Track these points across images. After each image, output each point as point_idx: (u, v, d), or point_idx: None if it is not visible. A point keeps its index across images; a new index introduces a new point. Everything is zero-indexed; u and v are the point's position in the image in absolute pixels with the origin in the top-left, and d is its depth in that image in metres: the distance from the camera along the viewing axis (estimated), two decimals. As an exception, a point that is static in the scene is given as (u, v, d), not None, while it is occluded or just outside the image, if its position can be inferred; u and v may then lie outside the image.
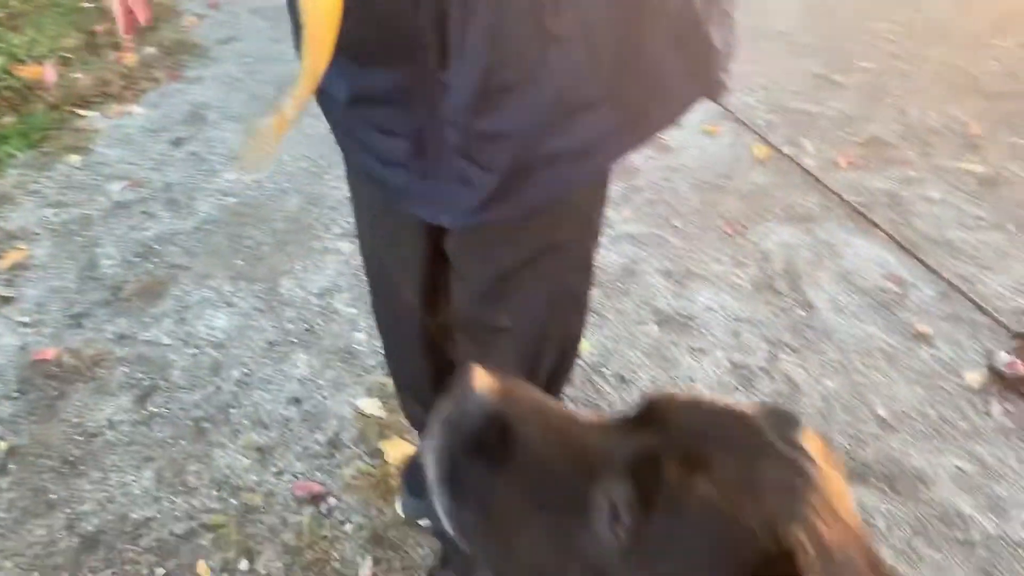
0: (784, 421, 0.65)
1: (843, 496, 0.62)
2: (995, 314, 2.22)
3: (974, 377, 2.07)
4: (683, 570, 0.57)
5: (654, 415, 0.67)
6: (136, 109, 3.05)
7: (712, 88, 1.06)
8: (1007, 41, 3.66)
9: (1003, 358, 2.04)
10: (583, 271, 1.20)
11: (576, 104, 0.95)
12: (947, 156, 2.92)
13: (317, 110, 1.21)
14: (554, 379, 1.32)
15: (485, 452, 0.67)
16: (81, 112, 3.00)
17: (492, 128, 0.96)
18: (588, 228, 1.15)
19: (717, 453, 0.60)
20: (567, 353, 1.31)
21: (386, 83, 0.97)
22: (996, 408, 2.00)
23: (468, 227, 1.09)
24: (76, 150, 2.84)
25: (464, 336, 1.29)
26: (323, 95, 1.07)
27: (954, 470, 1.87)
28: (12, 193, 2.66)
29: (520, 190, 1.02)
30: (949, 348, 2.17)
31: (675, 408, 0.66)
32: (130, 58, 3.29)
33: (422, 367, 1.43)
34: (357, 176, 1.22)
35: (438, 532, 1.63)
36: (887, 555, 1.69)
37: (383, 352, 1.59)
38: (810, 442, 0.64)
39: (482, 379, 0.68)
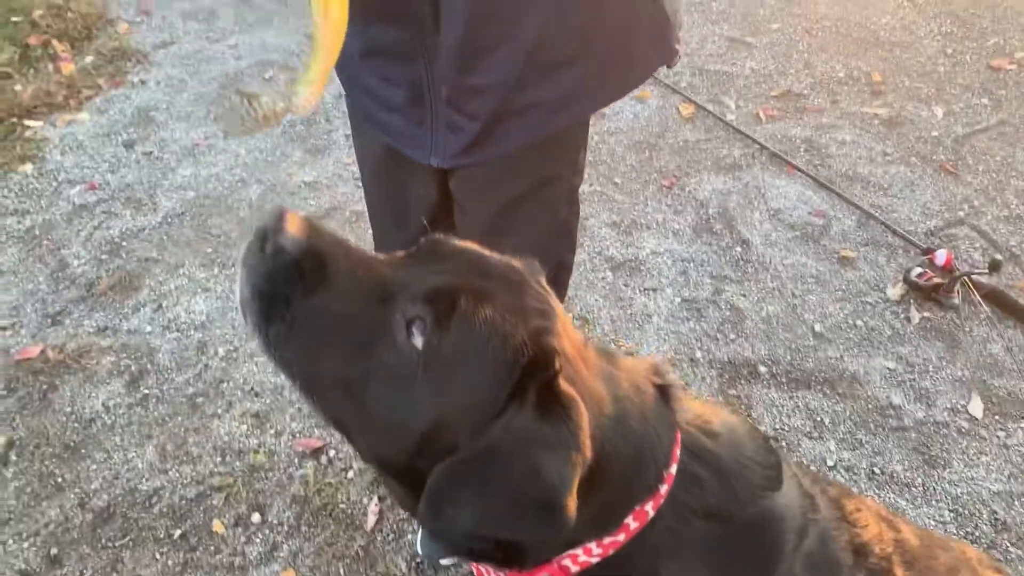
0: (535, 269, 0.87)
1: (567, 321, 0.84)
2: (907, 235, 2.47)
3: (894, 291, 2.32)
4: (471, 373, 0.75)
5: (437, 255, 0.84)
6: (83, 116, 3.10)
7: (669, 55, 1.24)
8: (898, -3, 3.98)
9: (916, 271, 2.29)
10: (571, 204, 1.38)
11: (550, 62, 1.12)
12: (854, 102, 3.19)
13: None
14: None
15: (298, 278, 0.79)
16: (28, 123, 3.03)
17: (476, 83, 1.12)
18: (574, 165, 1.33)
19: (496, 289, 0.79)
20: (561, 281, 1.49)
21: (391, 40, 1.13)
22: (915, 315, 2.26)
23: (456, 167, 1.25)
24: (28, 159, 2.88)
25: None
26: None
27: (884, 370, 2.11)
28: (-31, 206, 2.70)
29: (499, 136, 1.19)
30: (870, 268, 2.42)
31: (456, 252, 0.84)
32: (68, 67, 3.32)
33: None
34: (362, 126, 1.37)
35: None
36: (833, 446, 1.92)
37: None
38: (547, 285, 0.87)
39: (293, 218, 0.81)
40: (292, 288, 0.79)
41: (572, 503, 0.71)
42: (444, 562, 1.72)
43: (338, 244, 0.82)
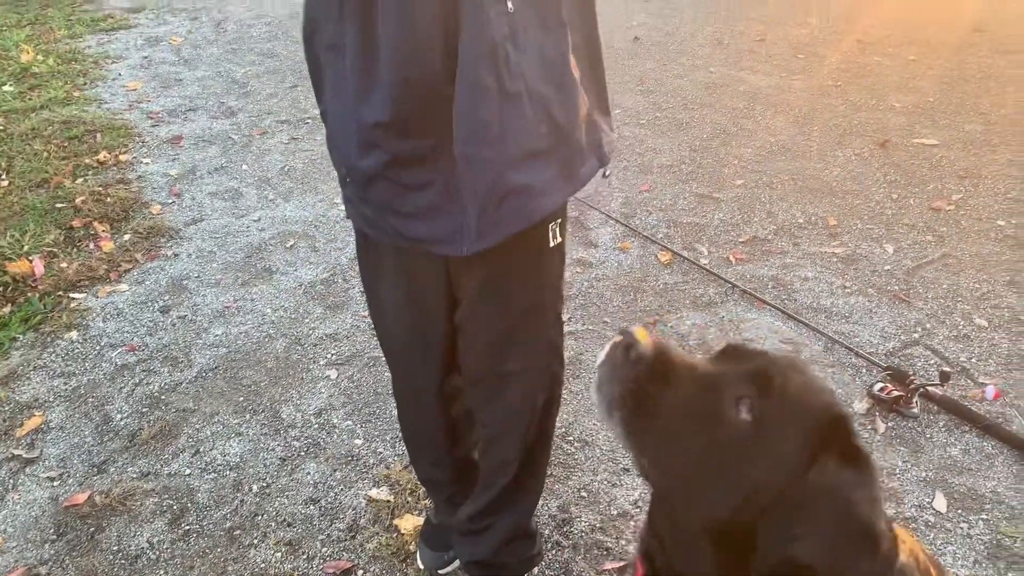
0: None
1: None
2: (869, 356, 2.76)
3: (860, 405, 2.58)
4: (789, 433, 0.94)
5: (740, 354, 1.07)
6: (122, 287, 3.43)
7: (604, 158, 1.55)
8: (845, 152, 4.46)
9: (878, 386, 2.56)
10: (557, 326, 1.67)
11: (531, 150, 1.37)
12: (813, 244, 3.57)
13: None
14: (546, 415, 1.75)
15: (654, 376, 1.02)
16: (73, 295, 3.37)
17: (480, 154, 1.34)
18: (556, 292, 1.63)
19: (793, 370, 1.01)
20: (554, 391, 1.75)
21: (423, 147, 1.37)
22: (880, 425, 2.50)
23: (477, 251, 1.43)
24: (73, 327, 3.18)
25: (475, 389, 1.72)
26: (351, 185, 1.49)
27: (856, 474, 2.33)
28: (20, 371, 2.97)
29: (499, 216, 1.40)
30: (837, 386, 2.68)
31: (753, 351, 1.08)
32: (108, 245, 3.70)
33: (437, 425, 1.84)
34: (379, 254, 1.61)
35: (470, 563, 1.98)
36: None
37: (399, 421, 1.97)
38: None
39: (641, 334, 1.06)
40: (650, 384, 1.03)
41: (886, 530, 0.88)
42: (441, 572, 2.05)
43: (673, 350, 1.07)
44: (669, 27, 7.28)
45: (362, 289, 3.29)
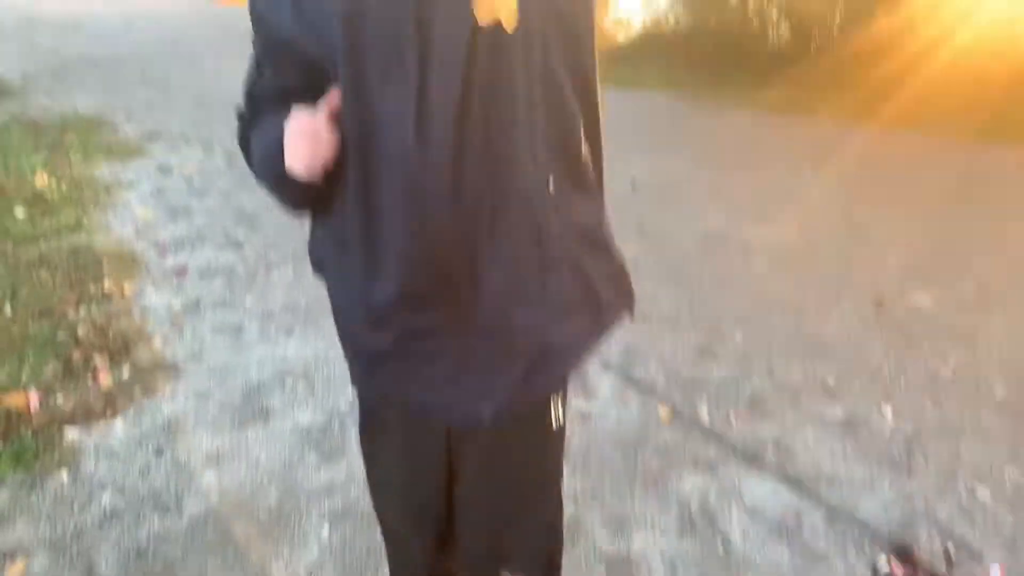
0: None
1: None
2: (873, 530, 2.71)
3: (865, 582, 2.52)
4: None
5: None
6: (117, 424, 3.40)
7: (631, 306, 1.61)
8: (841, 309, 4.53)
9: (883, 565, 2.51)
10: (558, 506, 1.67)
11: (572, 307, 1.43)
12: (813, 405, 3.57)
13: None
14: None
15: None
16: (66, 431, 3.33)
17: (522, 321, 1.38)
18: (557, 470, 1.64)
19: None
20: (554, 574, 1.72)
21: (436, 318, 1.38)
22: (887, 606, 2.44)
23: (507, 410, 1.43)
24: (64, 466, 3.12)
25: (470, 568, 1.69)
26: (358, 362, 1.51)
27: (864, 662, 2.26)
28: (6, 513, 2.89)
29: (541, 372, 1.42)
30: (841, 561, 2.63)
31: None
32: (106, 380, 3.68)
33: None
34: (381, 422, 1.62)
35: None
36: None
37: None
38: None
39: None
40: None
41: None
42: None
43: None
44: (666, 173, 7.53)
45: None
